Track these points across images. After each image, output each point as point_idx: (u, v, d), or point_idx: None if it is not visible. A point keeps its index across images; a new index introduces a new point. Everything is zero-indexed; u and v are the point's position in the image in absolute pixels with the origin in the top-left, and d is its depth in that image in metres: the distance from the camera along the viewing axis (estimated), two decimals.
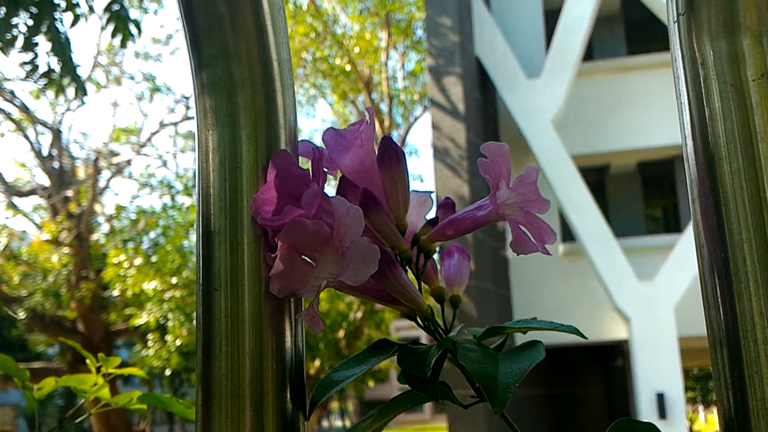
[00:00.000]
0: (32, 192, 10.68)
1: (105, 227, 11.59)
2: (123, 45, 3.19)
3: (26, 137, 10.46)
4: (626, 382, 9.21)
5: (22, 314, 9.07)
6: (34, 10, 2.84)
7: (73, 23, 3.04)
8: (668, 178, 10.25)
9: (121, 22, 3.11)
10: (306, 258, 0.47)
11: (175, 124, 12.25)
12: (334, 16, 12.50)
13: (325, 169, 0.52)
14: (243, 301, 0.47)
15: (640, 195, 10.43)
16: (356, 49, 11.95)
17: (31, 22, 2.87)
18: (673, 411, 7.61)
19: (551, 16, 9.30)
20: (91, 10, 3.19)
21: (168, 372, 11.25)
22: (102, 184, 11.04)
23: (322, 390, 0.49)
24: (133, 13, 9.18)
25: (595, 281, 8.22)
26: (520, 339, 0.54)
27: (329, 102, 14.01)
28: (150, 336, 10.38)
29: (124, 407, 0.99)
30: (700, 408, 26.65)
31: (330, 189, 0.50)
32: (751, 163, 0.43)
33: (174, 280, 9.67)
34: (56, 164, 10.44)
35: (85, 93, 3.14)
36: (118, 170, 11.44)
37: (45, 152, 10.50)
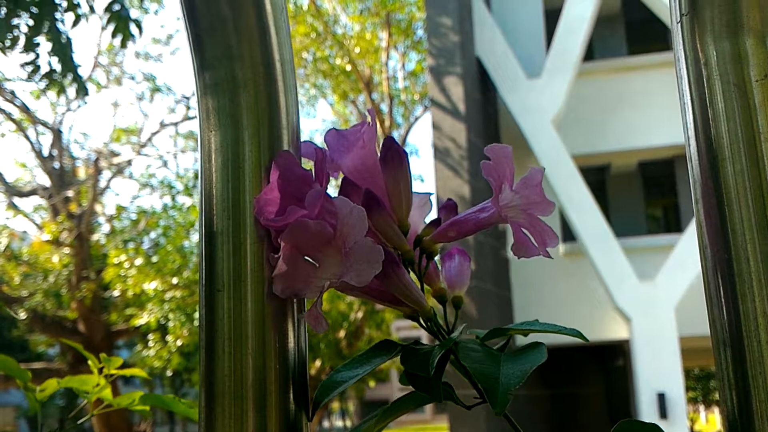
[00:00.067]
0: (33, 192, 10.67)
1: (106, 227, 11.59)
2: (123, 45, 3.19)
3: (27, 137, 10.46)
4: (627, 382, 9.20)
5: (22, 314, 9.07)
6: (34, 10, 2.84)
7: (74, 23, 3.04)
8: (669, 178, 10.25)
9: (121, 22, 3.11)
10: (309, 258, 0.47)
11: (176, 124, 12.25)
12: (335, 16, 12.49)
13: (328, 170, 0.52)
14: (246, 302, 0.47)
15: (641, 195, 10.42)
16: (357, 49, 11.94)
17: (32, 23, 2.87)
18: (673, 411, 7.61)
19: (551, 16, 9.30)
20: (92, 10, 3.19)
21: (169, 372, 11.26)
22: (102, 184, 11.04)
23: (326, 390, 0.49)
24: (134, 13, 9.17)
25: (595, 281, 8.21)
26: (520, 339, 0.54)
27: (330, 102, 14.00)
28: (151, 336, 10.39)
29: (126, 408, 0.98)
30: (701, 408, 26.64)
31: (332, 190, 0.50)
32: (755, 164, 0.43)
33: (175, 281, 9.67)
34: (57, 164, 10.43)
35: (86, 93, 3.14)
36: (119, 170, 11.44)
37: (45, 152, 10.49)
